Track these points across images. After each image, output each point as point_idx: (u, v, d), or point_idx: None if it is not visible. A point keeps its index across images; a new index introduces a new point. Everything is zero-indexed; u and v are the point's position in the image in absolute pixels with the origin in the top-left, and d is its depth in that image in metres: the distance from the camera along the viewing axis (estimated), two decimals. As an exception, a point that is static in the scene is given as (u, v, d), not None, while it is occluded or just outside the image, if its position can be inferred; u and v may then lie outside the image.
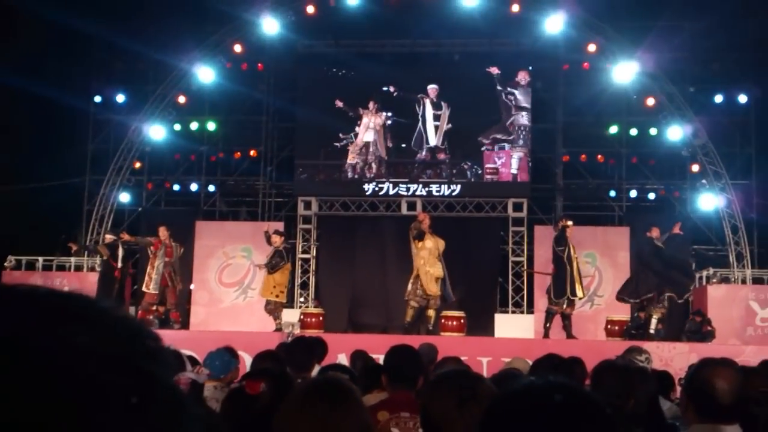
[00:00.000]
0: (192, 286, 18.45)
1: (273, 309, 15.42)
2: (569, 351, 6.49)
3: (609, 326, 15.49)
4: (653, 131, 19.29)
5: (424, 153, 19.10)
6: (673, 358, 12.92)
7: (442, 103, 19.15)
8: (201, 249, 18.58)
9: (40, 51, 19.03)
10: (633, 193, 19.90)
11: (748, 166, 19.14)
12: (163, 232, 15.94)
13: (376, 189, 19.05)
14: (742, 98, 19.13)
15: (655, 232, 15.33)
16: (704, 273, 17.66)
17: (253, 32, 19.06)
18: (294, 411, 2.52)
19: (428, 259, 14.90)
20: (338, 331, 17.03)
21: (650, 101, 18.63)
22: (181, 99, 19.30)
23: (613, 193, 19.95)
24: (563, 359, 5.25)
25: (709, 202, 18.68)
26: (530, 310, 18.38)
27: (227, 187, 20.75)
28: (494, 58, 19.23)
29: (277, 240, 15.61)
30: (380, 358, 4.93)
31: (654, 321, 14.96)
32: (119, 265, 15.99)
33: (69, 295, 0.78)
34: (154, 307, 15.96)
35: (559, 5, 18.32)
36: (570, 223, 15.40)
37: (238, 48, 19.16)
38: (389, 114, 19.20)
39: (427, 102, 19.16)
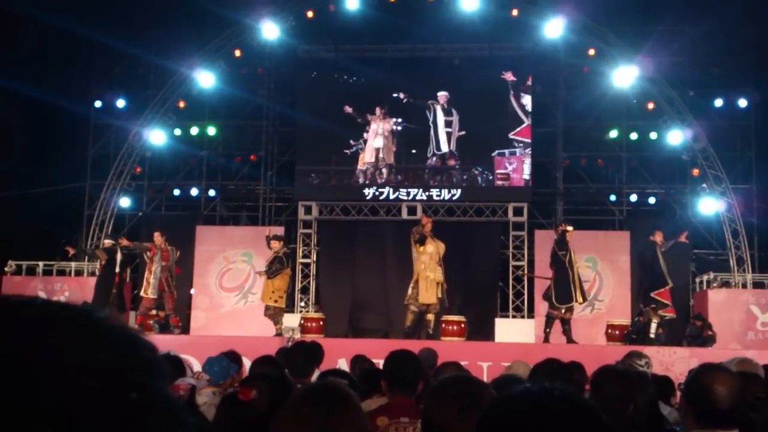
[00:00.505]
0: (192, 291, 18.45)
1: (273, 314, 15.40)
2: (569, 356, 6.48)
3: (609, 331, 15.48)
4: (653, 135, 19.29)
5: (434, 159, 19.08)
6: (673, 362, 12.90)
7: (453, 110, 19.15)
8: (201, 254, 18.58)
9: (41, 56, 19.06)
10: (633, 198, 19.90)
11: (749, 170, 19.14)
12: (158, 237, 15.96)
13: (377, 193, 19.05)
14: (742, 102, 19.13)
15: (658, 237, 15.30)
16: (705, 277, 17.66)
17: (253, 37, 19.09)
18: (292, 416, 2.52)
19: (429, 263, 14.87)
20: (338, 335, 17.04)
21: (650, 105, 18.65)
22: (182, 104, 19.33)
23: (613, 198, 19.94)
24: (563, 364, 5.24)
25: (709, 206, 18.68)
26: (531, 314, 18.37)
27: (228, 191, 20.75)
28: (500, 62, 19.28)
29: (276, 245, 15.58)
30: (380, 363, 4.93)
31: (654, 325, 14.95)
32: (118, 270, 15.99)
33: (65, 307, 0.78)
34: (154, 312, 15.97)
35: (559, 9, 18.34)
36: (570, 228, 15.38)
37: (238, 53, 19.20)
38: (398, 120, 19.15)
39: (438, 108, 19.15)
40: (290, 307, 17.79)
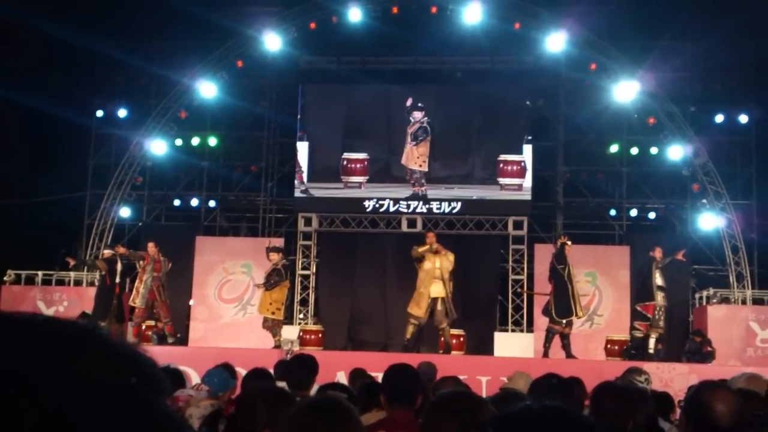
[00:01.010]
0: (191, 302, 18.43)
1: (271, 326, 15.39)
2: (569, 371, 6.48)
3: (609, 346, 15.48)
4: (654, 150, 19.32)
5: (440, 169, 19.05)
6: (672, 379, 12.88)
7: (456, 120, 19.14)
8: (201, 264, 18.57)
9: (43, 66, 19.10)
10: (633, 212, 19.91)
11: (749, 186, 19.14)
12: (152, 248, 16.02)
13: (377, 206, 19.03)
14: (743, 118, 19.16)
15: (657, 253, 15.31)
16: (704, 293, 17.65)
17: (255, 48, 19.13)
18: (292, 430, 2.52)
19: (424, 279, 14.85)
20: (337, 348, 17.03)
21: (651, 120, 18.67)
22: (183, 114, 19.34)
23: (613, 212, 19.95)
24: (562, 379, 5.23)
25: (709, 221, 18.68)
26: (530, 328, 18.33)
27: (228, 202, 20.76)
28: (501, 75, 19.35)
29: (275, 257, 15.57)
30: (379, 376, 4.92)
31: (652, 341, 14.95)
32: (118, 280, 16.02)
33: (67, 324, 0.78)
34: (151, 323, 16.03)
35: (561, 24, 18.39)
36: (569, 242, 15.39)
37: (240, 64, 19.23)
38: (409, 130, 19.07)
39: (441, 119, 19.12)
40: (289, 319, 17.77)
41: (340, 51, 19.89)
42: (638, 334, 15.20)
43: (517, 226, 19.18)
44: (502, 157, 18.80)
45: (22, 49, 18.29)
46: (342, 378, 10.10)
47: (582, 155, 19.81)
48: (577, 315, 15.06)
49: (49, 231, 18.95)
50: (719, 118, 19.27)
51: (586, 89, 19.48)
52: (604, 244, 19.24)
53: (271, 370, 7.15)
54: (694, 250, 18.20)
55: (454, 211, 18.97)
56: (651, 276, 15.23)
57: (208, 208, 20.56)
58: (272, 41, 18.93)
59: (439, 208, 18.96)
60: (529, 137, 18.90)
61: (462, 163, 19.09)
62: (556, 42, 18.55)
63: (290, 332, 16.07)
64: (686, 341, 15.81)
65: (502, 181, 18.78)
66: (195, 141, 20.07)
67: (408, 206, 19.00)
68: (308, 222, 19.64)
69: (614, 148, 19.65)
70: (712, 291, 17.53)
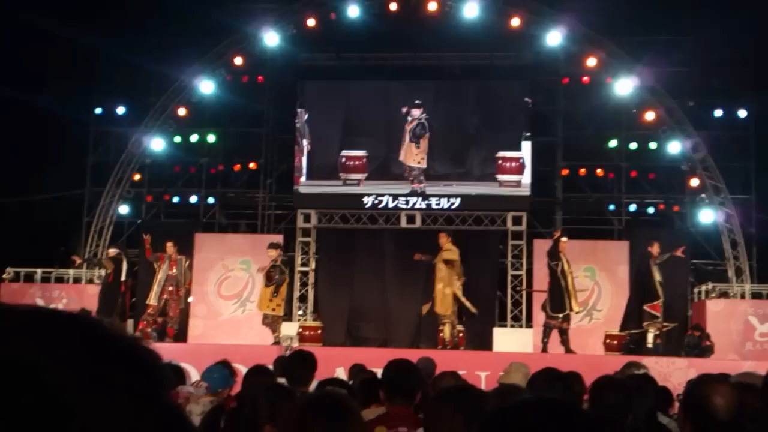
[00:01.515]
0: (191, 299, 18.42)
1: (271, 322, 15.39)
2: (568, 365, 6.48)
3: (608, 341, 15.48)
4: (653, 145, 19.30)
5: (439, 166, 19.05)
6: (671, 373, 12.90)
7: (455, 117, 19.14)
8: (200, 261, 18.54)
9: (41, 63, 19.07)
10: (632, 207, 19.89)
11: (748, 181, 19.14)
12: (170, 247, 16.14)
13: (376, 202, 19.01)
14: (742, 113, 19.15)
15: (655, 248, 15.32)
16: (703, 287, 17.65)
17: (254, 45, 19.10)
18: (293, 426, 2.52)
19: (442, 276, 15.20)
20: (337, 344, 17.02)
21: (650, 115, 18.63)
22: (182, 111, 19.30)
23: (612, 207, 19.95)
24: (561, 373, 5.25)
25: (708, 216, 18.68)
26: (529, 324, 18.34)
27: (227, 199, 20.74)
28: (500, 71, 19.33)
29: (273, 253, 15.58)
30: (379, 372, 4.93)
31: (651, 336, 14.97)
32: (123, 278, 16.05)
33: (69, 316, 0.78)
34: (159, 319, 16.02)
35: (559, 19, 18.37)
36: (565, 238, 15.41)
37: (238, 60, 19.19)
38: (408, 127, 19.06)
39: (440, 115, 19.11)
40: (288, 316, 17.76)
41: (338, 48, 19.87)
42: (653, 331, 15.20)
43: (516, 221, 19.17)
44: (501, 154, 18.80)
45: (21, 47, 18.27)
46: (341, 374, 10.11)
47: (581, 150, 19.79)
48: (572, 310, 15.11)
49: (48, 228, 18.95)
50: (718, 113, 19.26)
51: (585, 84, 19.47)
52: (603, 239, 19.23)
53: (271, 367, 7.16)
54: (693, 245, 18.21)
55: (453, 207, 18.95)
56: (650, 274, 15.24)
57: (207, 205, 20.55)
58: (271, 38, 18.90)
59: (438, 204, 18.95)
60: (528, 134, 18.90)
61: (460, 160, 19.09)
62: (554, 38, 18.52)
63: (289, 328, 16.09)
64: (685, 336, 15.82)
65: (501, 177, 18.78)
66: (194, 138, 20.05)
67: (407, 202, 18.98)
68: (307, 218, 19.63)
69: (613, 143, 19.64)
70: (710, 285, 17.52)
